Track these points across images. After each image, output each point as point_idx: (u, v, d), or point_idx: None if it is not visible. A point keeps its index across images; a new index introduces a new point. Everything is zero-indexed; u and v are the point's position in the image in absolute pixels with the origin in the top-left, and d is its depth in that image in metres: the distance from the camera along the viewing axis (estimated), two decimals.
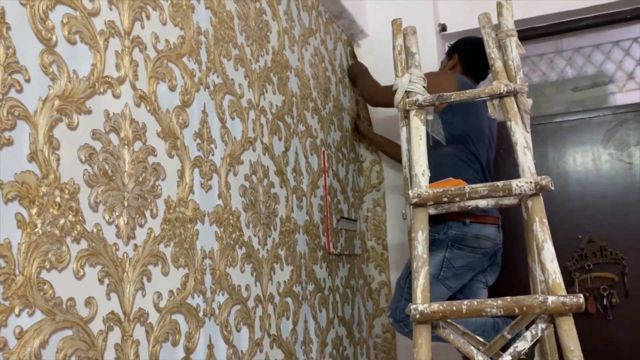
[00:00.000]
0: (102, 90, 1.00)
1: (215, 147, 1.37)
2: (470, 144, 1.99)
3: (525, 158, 1.54)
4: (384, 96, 2.09)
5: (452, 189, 1.51)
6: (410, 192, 1.52)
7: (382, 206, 2.56)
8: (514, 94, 1.65)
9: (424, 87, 1.75)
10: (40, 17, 0.89)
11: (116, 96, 1.04)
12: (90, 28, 0.98)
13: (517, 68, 1.70)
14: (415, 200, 1.51)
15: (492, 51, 1.73)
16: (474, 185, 1.50)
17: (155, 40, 1.19)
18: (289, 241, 1.69)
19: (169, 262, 1.13)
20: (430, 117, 1.74)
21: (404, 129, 1.78)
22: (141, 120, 1.10)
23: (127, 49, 1.09)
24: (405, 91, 1.75)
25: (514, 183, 1.47)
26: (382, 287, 2.52)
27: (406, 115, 1.76)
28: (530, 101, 1.70)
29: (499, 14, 1.71)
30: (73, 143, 0.93)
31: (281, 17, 1.85)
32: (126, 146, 1.05)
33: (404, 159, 1.80)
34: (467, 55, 2.14)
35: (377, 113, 2.56)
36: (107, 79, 1.02)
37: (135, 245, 1.04)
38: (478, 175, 2.00)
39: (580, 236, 2.41)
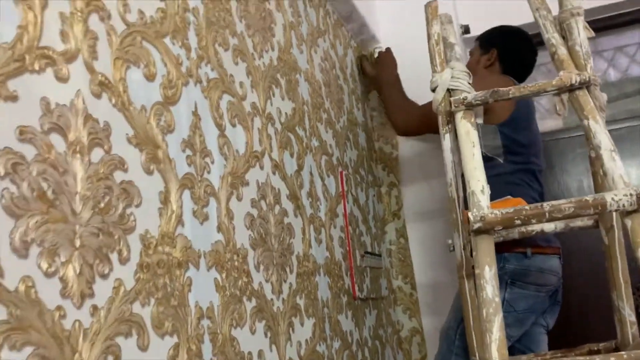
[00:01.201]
0: (36, 67, 0.69)
1: (212, 162, 1.01)
2: (529, 159, 1.70)
3: (615, 165, 1.19)
4: (424, 119, 1.74)
5: (527, 208, 1.15)
6: (470, 215, 1.16)
7: (405, 237, 2.21)
8: (587, 85, 1.31)
9: (469, 83, 1.41)
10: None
11: (61, 78, 0.72)
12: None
13: (586, 55, 1.37)
14: (478, 225, 1.15)
15: (551, 37, 1.40)
16: (555, 202, 1.14)
17: (124, 9, 0.87)
18: (308, 286, 1.32)
19: (149, 329, 0.79)
20: (480, 120, 1.40)
21: (447, 136, 1.43)
22: (103, 117, 0.78)
23: (79, 14, 0.77)
24: (447, 89, 1.41)
25: (609, 197, 1.12)
26: (414, 334, 2.13)
27: (449, 119, 1.41)
28: (604, 96, 1.37)
29: None
30: None
31: (286, 10, 1.52)
32: (78, 155, 0.72)
33: (449, 174, 1.45)
34: (510, 49, 1.83)
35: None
36: (45, 51, 0.70)
37: (94, 309, 0.70)
38: (536, 195, 1.67)
39: None
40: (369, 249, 1.91)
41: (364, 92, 2.23)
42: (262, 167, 1.21)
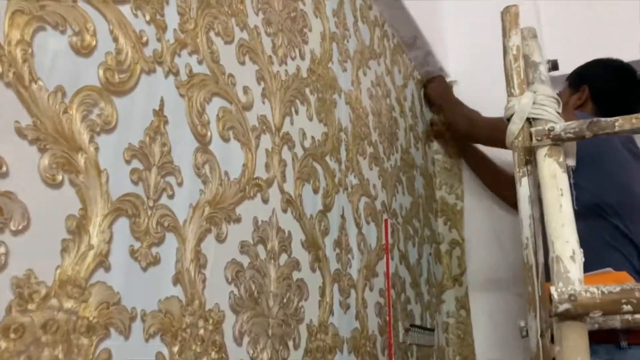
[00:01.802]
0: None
1: (180, 184, 0.72)
2: (621, 216, 1.34)
3: None
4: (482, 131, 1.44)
5: None
6: (554, 290, 0.81)
7: (467, 309, 1.82)
8: None
9: (558, 113, 1.07)
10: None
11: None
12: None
13: None
14: (566, 307, 0.81)
15: None
16: None
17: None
18: None
19: None
20: (571, 162, 1.04)
21: (525, 181, 1.08)
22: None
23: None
24: (527, 119, 1.07)
25: None
26: None
27: (529, 157, 1.06)
28: None
29: None
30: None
31: (328, 17, 1.26)
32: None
33: (526, 231, 1.08)
34: (606, 84, 1.50)
35: None
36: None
37: None
38: (633, 264, 1.31)
39: None
40: (418, 322, 1.54)
41: (426, 131, 1.91)
42: (265, 200, 0.91)
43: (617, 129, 0.98)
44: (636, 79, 1.50)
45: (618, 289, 0.78)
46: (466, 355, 1.76)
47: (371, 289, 1.26)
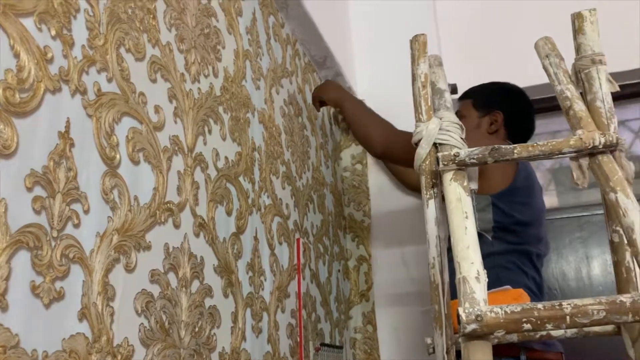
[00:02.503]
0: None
1: (87, 211, 0.68)
2: (526, 240, 1.44)
3: None
4: (402, 144, 1.37)
5: (540, 307, 0.84)
6: (461, 311, 0.85)
7: (373, 324, 1.87)
8: (613, 150, 1.04)
9: (462, 138, 1.13)
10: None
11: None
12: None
13: (609, 112, 1.10)
14: (472, 327, 0.84)
15: (565, 88, 1.13)
16: (578, 302, 0.84)
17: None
18: None
19: None
20: (474, 186, 1.11)
21: (432, 203, 1.13)
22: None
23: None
24: (434, 144, 1.13)
25: None
26: None
27: (435, 181, 1.12)
28: (632, 165, 1.10)
29: (579, 31, 1.14)
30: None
31: (241, 34, 1.25)
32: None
33: (432, 252, 1.13)
34: (518, 114, 1.56)
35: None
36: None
37: None
38: (531, 284, 1.42)
39: None
40: (328, 340, 1.55)
41: (335, 149, 1.95)
42: (177, 226, 0.87)
43: (515, 155, 1.05)
44: (533, 107, 1.61)
45: (519, 308, 0.84)
46: None
47: (283, 311, 1.26)
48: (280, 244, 1.31)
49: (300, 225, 1.47)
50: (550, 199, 2.11)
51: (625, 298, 0.83)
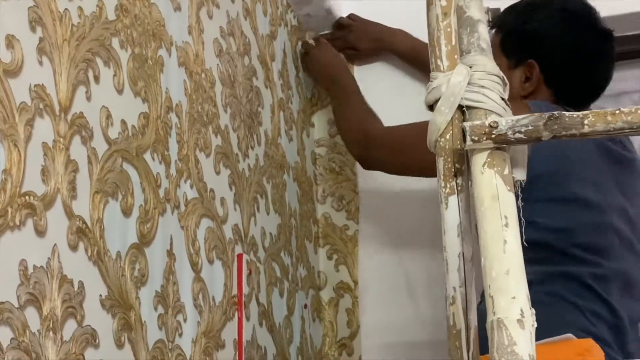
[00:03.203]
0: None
1: None
2: (590, 263, 1.52)
3: None
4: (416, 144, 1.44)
5: None
6: None
7: None
8: None
9: (504, 100, 1.17)
10: None
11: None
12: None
13: None
14: None
15: None
16: None
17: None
18: None
19: None
20: (522, 177, 1.15)
21: (453, 201, 1.16)
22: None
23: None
24: (459, 107, 1.16)
25: None
26: None
27: (459, 166, 1.15)
28: None
29: None
30: None
31: None
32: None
33: (453, 277, 1.16)
34: (566, 57, 1.66)
35: None
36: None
37: None
38: (603, 325, 1.48)
39: None
40: None
41: (304, 111, 2.01)
42: (41, 232, 0.90)
43: (586, 129, 1.08)
44: (605, 36, 1.67)
45: None
46: None
47: None
48: (211, 262, 1.37)
49: (244, 233, 1.52)
50: None
51: None
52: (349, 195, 2.03)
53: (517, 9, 1.75)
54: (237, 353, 1.39)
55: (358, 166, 2.03)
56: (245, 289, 1.46)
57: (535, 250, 1.44)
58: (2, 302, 0.82)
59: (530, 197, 1.44)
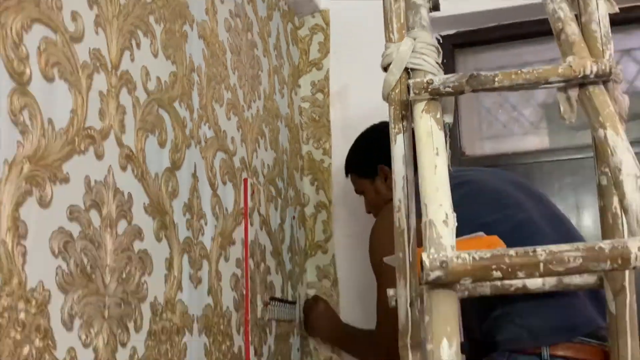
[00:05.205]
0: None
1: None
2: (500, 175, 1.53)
3: None
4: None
5: (512, 253, 0.91)
6: (425, 257, 0.90)
7: (331, 278, 1.96)
8: (606, 80, 1.10)
9: (438, 64, 1.17)
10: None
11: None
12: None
13: (605, 37, 1.15)
14: (437, 274, 0.90)
15: (558, 7, 1.18)
16: (554, 248, 0.90)
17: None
18: (168, 351, 1.03)
19: None
20: (449, 119, 1.16)
21: (400, 139, 1.18)
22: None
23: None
24: (406, 69, 1.16)
25: (634, 246, 0.89)
26: None
27: (405, 112, 1.16)
28: (627, 99, 1.16)
29: None
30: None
31: None
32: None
33: (398, 194, 1.19)
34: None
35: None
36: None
37: None
38: (512, 230, 1.42)
39: None
40: (279, 294, 1.63)
41: (292, 75, 1.98)
42: (99, 156, 0.90)
43: (496, 84, 1.10)
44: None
45: (489, 254, 0.90)
46: None
47: (227, 259, 1.31)
48: (224, 183, 1.35)
49: (248, 163, 1.51)
50: (540, 139, 2.20)
51: (605, 244, 0.90)
52: (324, 137, 2.01)
53: (350, 151, 1.77)
54: (244, 248, 1.40)
55: (331, 115, 2.02)
56: (250, 203, 1.45)
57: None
58: (74, 205, 0.83)
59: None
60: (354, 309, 1.91)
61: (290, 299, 1.73)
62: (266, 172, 1.64)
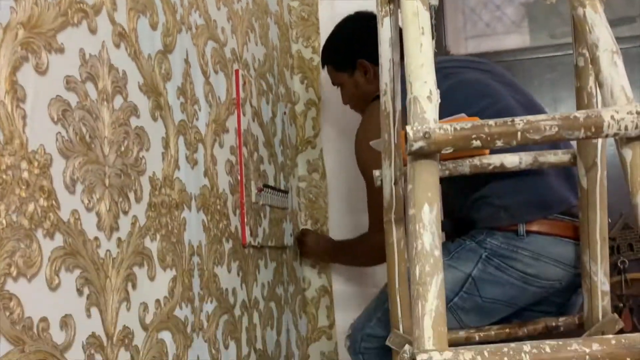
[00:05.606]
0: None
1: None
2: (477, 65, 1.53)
3: (617, 72, 0.96)
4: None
5: (491, 123, 0.91)
6: (409, 130, 0.90)
7: (320, 172, 1.98)
8: None
9: None
10: None
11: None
12: None
13: None
14: (420, 144, 0.90)
15: None
16: (531, 118, 0.90)
17: None
18: (168, 223, 1.04)
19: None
20: (435, 2, 1.13)
21: (387, 21, 1.17)
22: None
23: None
24: None
25: (607, 114, 0.89)
26: (323, 295, 1.92)
27: None
28: None
29: None
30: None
31: None
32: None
33: (385, 76, 1.18)
34: (372, 41, 1.30)
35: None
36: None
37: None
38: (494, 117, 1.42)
39: (610, 220, 1.92)
40: (272, 183, 1.64)
41: None
42: (93, 31, 0.87)
43: None
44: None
45: (469, 125, 0.90)
46: (317, 219, 1.93)
47: (221, 145, 1.31)
48: (216, 72, 1.33)
49: (239, 55, 1.47)
50: (521, 37, 2.17)
51: (579, 114, 0.90)
52: (313, 36, 1.96)
53: (327, 43, 1.74)
54: (238, 137, 1.39)
55: (320, 13, 1.96)
56: (242, 94, 1.42)
57: None
58: (70, 76, 0.81)
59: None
60: (341, 199, 1.95)
61: (282, 188, 1.74)
62: (257, 66, 1.60)
